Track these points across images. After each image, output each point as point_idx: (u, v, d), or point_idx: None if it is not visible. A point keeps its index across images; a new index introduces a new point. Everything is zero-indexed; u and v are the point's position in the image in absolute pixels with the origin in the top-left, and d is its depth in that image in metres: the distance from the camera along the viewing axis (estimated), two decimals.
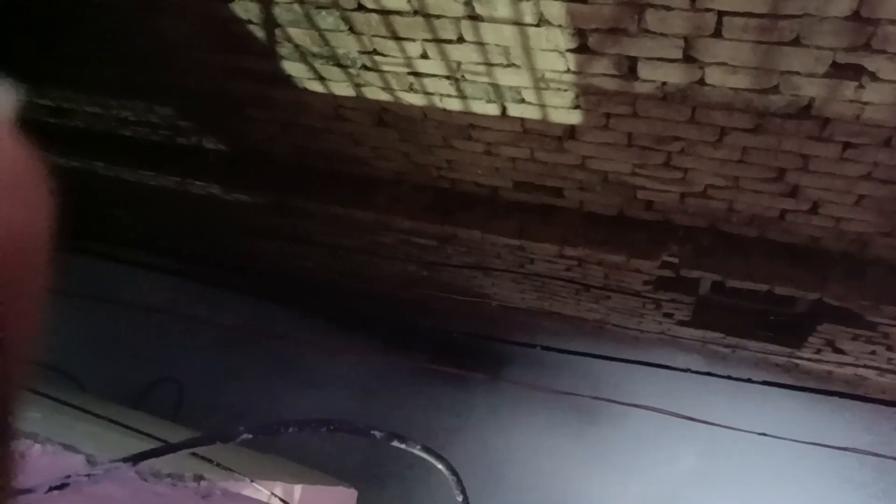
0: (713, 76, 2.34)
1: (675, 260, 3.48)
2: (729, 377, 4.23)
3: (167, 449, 1.44)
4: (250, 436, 1.62)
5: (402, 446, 1.82)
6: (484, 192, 3.71)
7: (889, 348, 3.68)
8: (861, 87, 2.18)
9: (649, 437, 5.82)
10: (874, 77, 2.13)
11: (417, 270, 4.81)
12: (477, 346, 5.67)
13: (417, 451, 1.84)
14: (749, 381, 3.89)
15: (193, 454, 2.41)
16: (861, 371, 4.15)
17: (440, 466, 1.89)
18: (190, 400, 6.63)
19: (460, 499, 1.96)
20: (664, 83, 2.45)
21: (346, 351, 6.21)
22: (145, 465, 1.73)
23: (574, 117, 2.80)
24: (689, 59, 2.30)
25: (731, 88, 2.37)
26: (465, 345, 5.80)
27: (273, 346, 6.61)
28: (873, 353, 3.83)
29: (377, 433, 1.76)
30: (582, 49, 2.41)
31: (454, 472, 1.94)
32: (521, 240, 3.78)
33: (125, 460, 1.35)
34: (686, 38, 2.20)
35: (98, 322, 6.77)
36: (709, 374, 4.47)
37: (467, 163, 3.47)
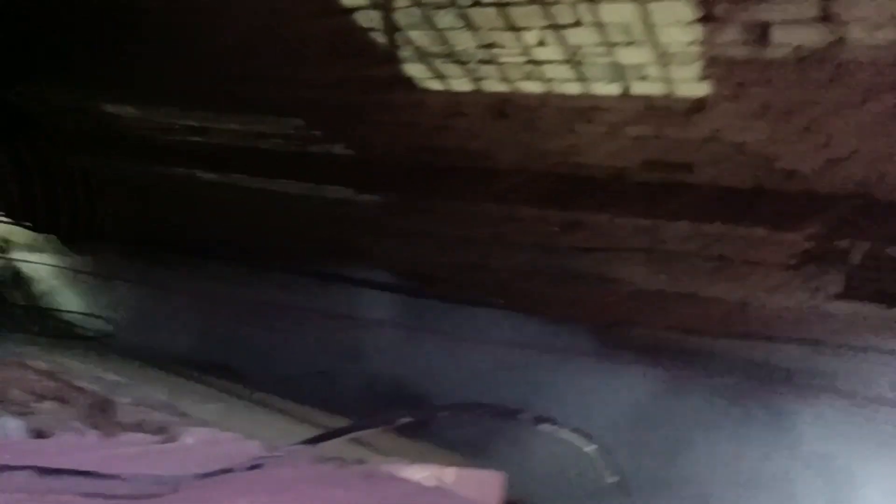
0: (854, 33, 2.20)
1: (821, 230, 3.28)
2: None
3: (339, 432, 1.56)
4: (410, 419, 1.73)
5: (553, 428, 1.86)
6: (609, 174, 3.65)
7: None
8: None
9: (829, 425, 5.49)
10: None
11: (543, 258, 4.82)
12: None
13: (568, 435, 1.87)
14: None
15: (352, 440, 2.57)
16: None
17: (592, 447, 1.91)
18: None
19: (615, 479, 1.97)
20: (799, 46, 2.33)
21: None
22: (313, 450, 1.89)
23: (702, 89, 2.72)
24: (826, 18, 2.17)
25: (872, 46, 2.21)
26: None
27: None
28: None
29: (524, 415, 1.81)
30: (708, 18, 2.33)
31: (605, 453, 1.95)
32: (651, 219, 3.70)
33: (305, 442, 1.48)
34: None
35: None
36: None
37: (590, 146, 3.44)
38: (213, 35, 3.42)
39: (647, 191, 3.61)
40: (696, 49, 2.49)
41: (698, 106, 2.82)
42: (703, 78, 2.63)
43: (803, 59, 2.39)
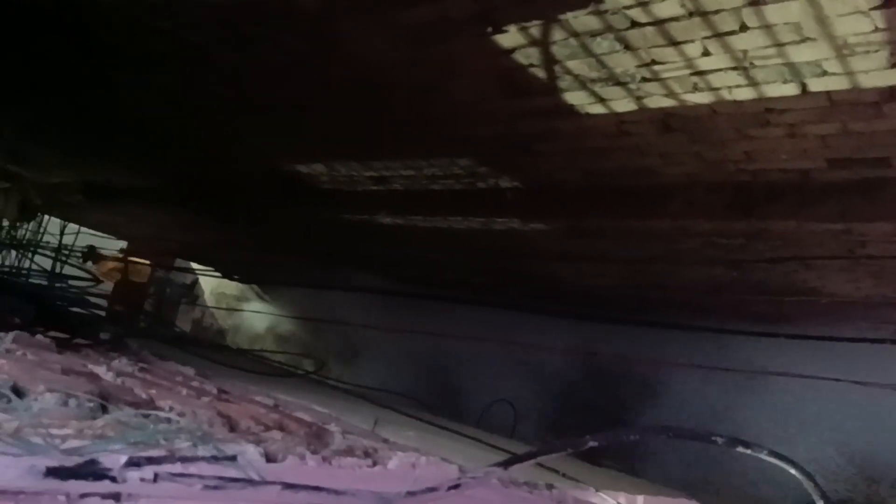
0: None
1: None
2: None
3: (530, 455, 1.62)
4: (596, 443, 1.75)
5: (748, 451, 1.78)
6: (792, 178, 3.44)
7: None
8: None
9: None
10: None
11: (726, 272, 4.60)
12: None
13: (765, 457, 1.78)
14: None
15: (540, 465, 2.62)
16: None
17: (793, 471, 1.80)
18: (521, 418, 7.09)
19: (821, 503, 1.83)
20: None
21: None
22: (506, 473, 1.97)
23: (892, 77, 2.51)
24: None
25: None
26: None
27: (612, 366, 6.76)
28: None
29: (719, 439, 1.76)
30: (891, 2, 2.17)
31: (810, 476, 1.83)
32: (838, 223, 3.43)
33: (498, 465, 1.56)
34: None
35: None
36: None
37: (768, 150, 3.27)
38: (386, 91, 3.71)
39: (837, 191, 3.36)
40: (878, 36, 2.31)
41: (889, 95, 2.60)
42: (892, 65, 2.43)
43: None
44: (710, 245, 4.25)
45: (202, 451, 1.60)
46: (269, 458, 1.81)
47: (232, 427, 2.35)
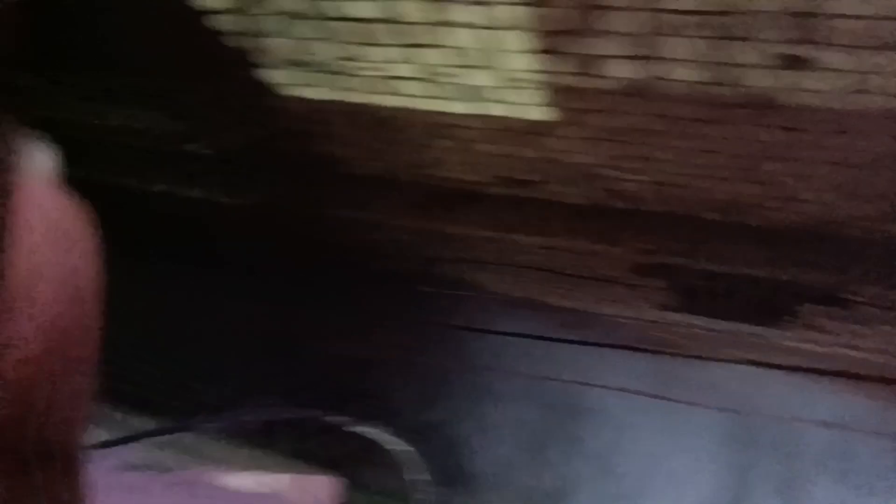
0: (670, 71, 2.45)
1: (653, 247, 3.59)
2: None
3: (139, 435, 1.55)
4: (211, 424, 1.74)
5: (365, 430, 1.93)
6: (464, 188, 3.81)
7: (865, 325, 3.79)
8: (808, 75, 2.28)
9: (635, 423, 5.92)
10: (818, 67, 2.24)
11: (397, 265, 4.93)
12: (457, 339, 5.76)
13: (380, 435, 1.95)
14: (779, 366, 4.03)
15: (182, 450, 2.53)
16: (841, 350, 4.25)
17: (404, 449, 1.99)
18: None
19: (425, 478, 2.06)
20: (627, 79, 2.56)
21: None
22: (122, 458, 1.85)
23: (546, 114, 2.91)
24: (646, 56, 2.41)
25: (688, 82, 2.48)
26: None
27: None
28: (853, 332, 3.93)
29: (336, 419, 1.87)
30: (546, 50, 2.52)
31: (422, 455, 2.04)
32: (498, 232, 3.90)
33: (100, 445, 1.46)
34: (642, 36, 2.31)
35: None
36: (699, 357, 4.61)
37: (448, 161, 3.58)
38: None
39: (499, 205, 3.80)
40: (538, 77, 2.67)
41: (541, 129, 3.02)
42: (547, 103, 2.82)
43: (631, 92, 2.63)
44: (403, 243, 4.52)
45: None
46: None
47: None
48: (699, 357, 4.60)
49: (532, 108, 2.89)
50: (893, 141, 2.51)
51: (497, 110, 2.98)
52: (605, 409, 5.89)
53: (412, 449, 2.02)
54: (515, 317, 5.92)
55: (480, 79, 2.80)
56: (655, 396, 5.11)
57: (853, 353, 4.19)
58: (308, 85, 3.19)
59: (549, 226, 3.78)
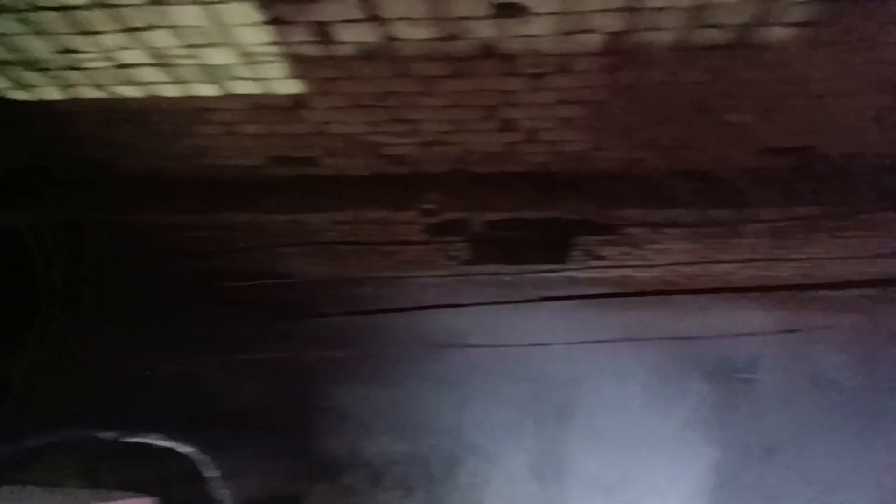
0: (400, 31, 2.49)
1: (437, 206, 3.69)
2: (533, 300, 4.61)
3: None
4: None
5: (144, 441, 1.84)
6: (244, 175, 3.69)
7: (636, 247, 4.17)
8: (523, 22, 2.41)
9: (475, 373, 6.16)
10: (532, 12, 2.37)
11: (199, 263, 4.72)
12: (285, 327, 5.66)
13: (161, 443, 1.86)
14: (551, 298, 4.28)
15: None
16: (628, 273, 4.66)
17: (187, 450, 1.93)
18: None
19: (214, 475, 2.01)
20: (362, 43, 2.57)
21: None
22: None
23: (295, 87, 2.86)
24: (373, 17, 2.42)
25: (420, 39, 2.54)
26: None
27: None
28: (628, 254, 4.31)
29: (107, 435, 1.76)
30: (275, 20, 2.46)
31: (208, 454, 1.98)
32: (290, 214, 3.83)
33: None
34: None
35: None
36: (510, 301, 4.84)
37: (213, 147, 3.43)
38: None
39: (283, 185, 3.72)
40: (275, 49, 2.61)
41: (298, 103, 2.98)
42: (292, 76, 2.78)
43: (370, 56, 2.64)
44: (184, 239, 4.30)
45: None
46: None
47: None
48: (506, 302, 4.84)
49: (279, 82, 2.83)
50: (613, 76, 2.73)
51: (246, 88, 2.89)
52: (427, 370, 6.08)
53: (209, 458, 1.94)
54: (332, 296, 5.89)
55: (218, 57, 2.68)
56: (463, 346, 5.35)
57: (634, 273, 4.60)
58: (31, 86, 2.90)
59: (339, 200, 3.76)
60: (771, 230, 3.60)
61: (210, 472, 1.99)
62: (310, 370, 6.59)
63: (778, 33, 2.44)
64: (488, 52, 2.60)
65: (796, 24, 2.40)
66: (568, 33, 2.48)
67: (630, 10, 2.34)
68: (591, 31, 2.45)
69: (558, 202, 3.63)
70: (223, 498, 2.14)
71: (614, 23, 2.41)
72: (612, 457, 5.53)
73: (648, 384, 5.82)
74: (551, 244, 4.19)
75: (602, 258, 4.36)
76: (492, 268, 4.64)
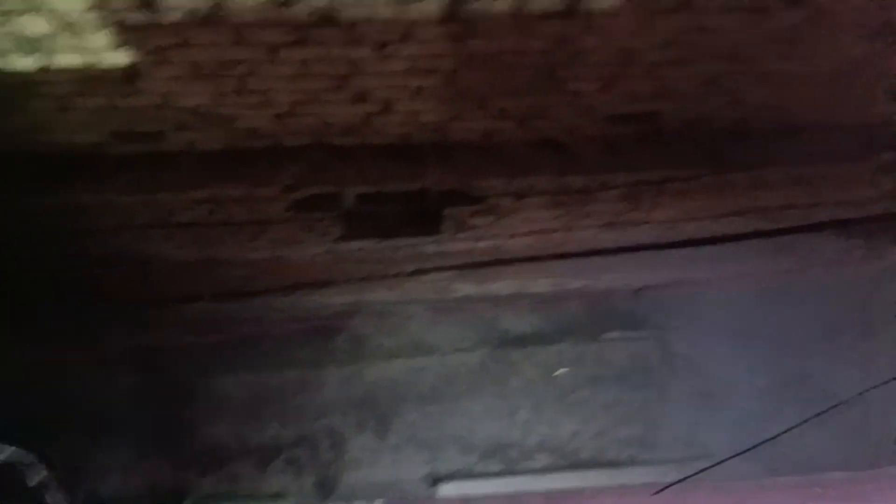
0: None
1: (298, 181, 3.61)
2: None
3: None
4: None
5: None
6: (87, 152, 3.46)
7: (502, 216, 4.25)
8: None
9: (359, 350, 6.15)
10: None
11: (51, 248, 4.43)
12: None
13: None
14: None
15: None
16: (497, 242, 4.75)
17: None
18: None
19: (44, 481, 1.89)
20: (191, 8, 2.45)
21: None
22: None
23: (127, 57, 2.70)
24: None
25: (255, 5, 2.45)
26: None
27: None
28: (495, 223, 4.39)
29: None
30: None
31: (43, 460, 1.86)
32: (145, 194, 3.64)
33: None
34: None
35: None
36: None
37: (51, 122, 3.20)
38: None
39: (131, 163, 3.53)
40: (97, 15, 2.44)
41: (132, 73, 2.81)
42: (121, 45, 2.61)
43: (205, 21, 2.53)
44: (27, 221, 4.00)
45: None
46: None
47: None
48: (381, 277, 4.83)
49: (107, 53, 2.66)
50: (458, 45, 2.74)
51: (71, 60, 2.70)
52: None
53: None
54: (202, 279, 5.67)
55: (36, 26, 2.49)
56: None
57: (503, 242, 4.70)
58: None
59: (194, 178, 3.60)
60: (622, 195, 3.76)
61: (37, 478, 1.87)
62: (186, 358, 6.36)
63: (608, 0, 2.53)
64: (328, 19, 2.54)
65: None
66: (406, 1, 2.47)
67: None
68: None
69: (423, 173, 3.64)
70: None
71: None
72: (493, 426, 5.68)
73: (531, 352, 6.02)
74: (421, 217, 4.20)
75: (471, 228, 4.41)
76: (365, 243, 4.60)
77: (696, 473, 2.26)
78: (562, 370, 5.57)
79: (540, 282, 5.45)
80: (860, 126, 3.52)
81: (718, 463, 2.51)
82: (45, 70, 2.75)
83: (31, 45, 2.59)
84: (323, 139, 3.45)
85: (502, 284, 5.22)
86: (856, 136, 3.46)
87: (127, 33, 2.55)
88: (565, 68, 2.91)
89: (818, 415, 2.43)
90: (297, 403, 6.35)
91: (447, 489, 5.64)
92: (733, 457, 2.52)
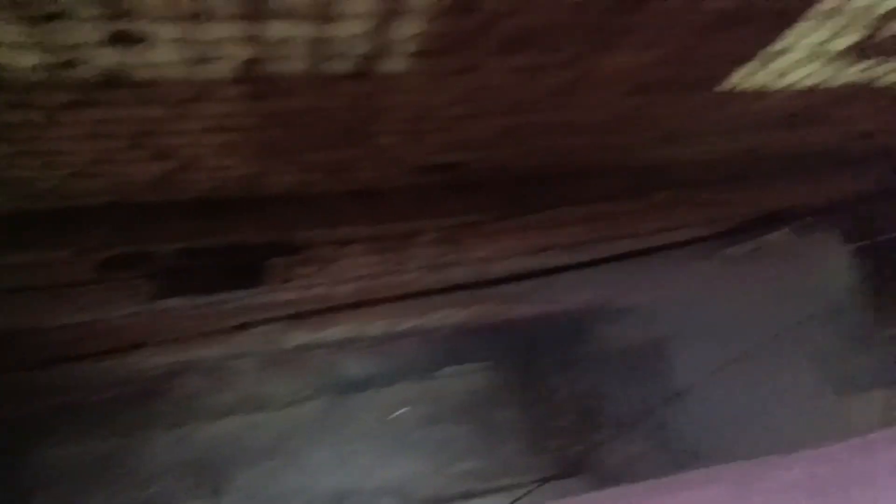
0: (4, 58, 2.28)
1: (104, 242, 3.44)
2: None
3: None
4: None
5: None
6: None
7: (325, 264, 4.30)
8: (145, 50, 2.35)
9: (192, 407, 5.88)
10: (152, 40, 2.32)
11: None
12: None
13: None
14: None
15: None
16: (325, 290, 4.78)
17: None
18: None
19: None
20: None
21: None
22: None
23: None
24: None
25: (32, 67, 2.34)
26: None
27: None
28: (319, 272, 4.42)
29: None
30: None
31: None
32: None
33: None
34: None
35: None
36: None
37: None
38: None
39: None
40: None
41: None
42: None
43: None
44: None
45: None
46: None
47: None
48: (208, 333, 4.69)
49: None
50: (256, 103, 2.78)
51: None
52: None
53: None
54: (19, 347, 5.20)
55: None
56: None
57: (328, 290, 4.74)
58: None
59: None
60: (437, 239, 3.95)
61: None
62: (9, 430, 5.77)
63: (398, 64, 2.69)
64: (116, 80, 2.49)
65: (412, 55, 2.66)
66: (197, 62, 2.47)
67: (253, 39, 2.40)
68: (219, 59, 2.47)
69: (237, 227, 3.61)
70: None
71: (241, 52, 2.46)
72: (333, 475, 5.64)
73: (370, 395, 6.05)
74: (241, 269, 4.14)
75: (297, 278, 4.41)
76: (184, 300, 4.45)
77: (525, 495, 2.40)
78: (401, 410, 5.61)
79: (373, 325, 5.51)
80: (639, 168, 3.97)
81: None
82: None
83: None
84: (123, 197, 3.33)
85: (335, 330, 5.24)
86: (634, 178, 3.89)
87: None
88: (367, 124, 3.04)
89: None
90: (126, 471, 5.91)
91: None
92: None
